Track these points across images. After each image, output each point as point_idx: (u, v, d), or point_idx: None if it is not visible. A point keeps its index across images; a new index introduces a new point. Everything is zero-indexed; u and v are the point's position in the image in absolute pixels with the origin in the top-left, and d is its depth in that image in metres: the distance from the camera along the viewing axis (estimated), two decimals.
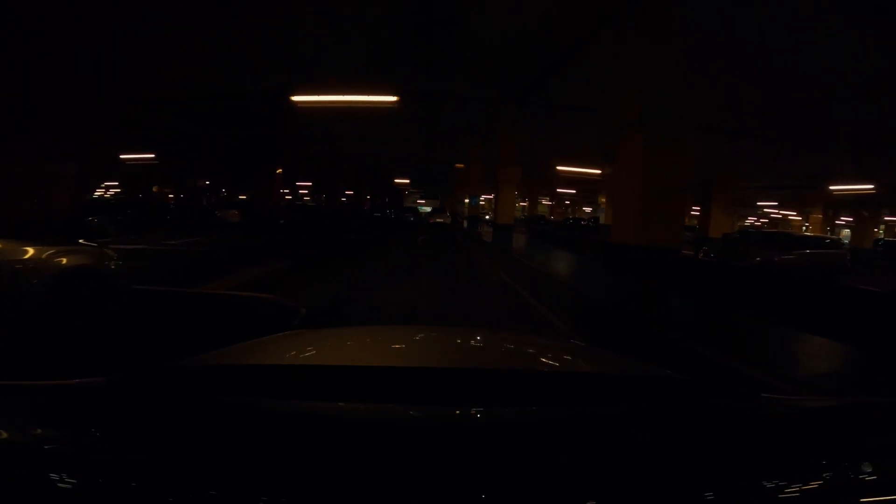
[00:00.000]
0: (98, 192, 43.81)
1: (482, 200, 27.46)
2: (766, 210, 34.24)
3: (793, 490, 0.55)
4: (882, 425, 0.81)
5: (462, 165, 18.29)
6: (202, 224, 19.46)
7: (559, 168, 13.73)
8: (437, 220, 30.36)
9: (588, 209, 50.79)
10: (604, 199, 24.33)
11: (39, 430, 0.67)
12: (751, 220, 45.03)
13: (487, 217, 34.50)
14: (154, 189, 34.14)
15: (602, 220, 24.26)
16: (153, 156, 17.63)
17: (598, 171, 14.11)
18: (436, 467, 0.57)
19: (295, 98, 8.67)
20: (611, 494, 0.53)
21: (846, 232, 33.35)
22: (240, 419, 0.71)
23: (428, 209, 44.99)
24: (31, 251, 3.76)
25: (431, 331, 1.62)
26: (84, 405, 0.76)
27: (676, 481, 0.56)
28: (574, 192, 29.04)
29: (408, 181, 26.72)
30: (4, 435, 0.63)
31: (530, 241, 15.05)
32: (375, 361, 1.13)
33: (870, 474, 0.60)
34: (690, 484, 0.55)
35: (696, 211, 35.17)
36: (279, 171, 13.47)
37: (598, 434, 0.72)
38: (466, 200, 31.76)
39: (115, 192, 37.96)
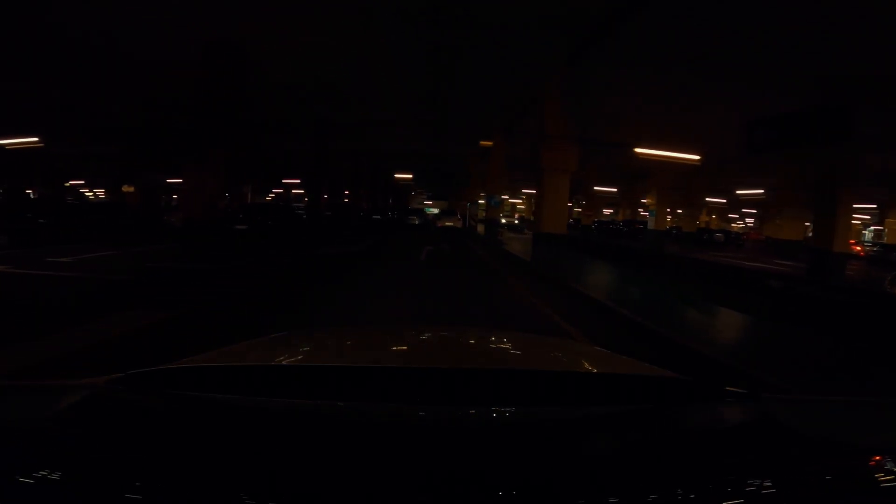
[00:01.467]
0: (88, 193, 40.33)
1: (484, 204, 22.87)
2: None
3: (793, 489, 0.54)
4: (882, 425, 0.80)
5: (490, 143, 13.79)
6: (146, 230, 15.19)
7: (639, 151, 9.27)
8: (447, 223, 25.84)
9: (608, 211, 46.34)
10: (651, 200, 19.79)
11: (40, 430, 0.65)
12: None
13: (517, 221, 29.74)
14: (124, 188, 29.99)
15: (651, 225, 19.72)
16: (37, 139, 13.34)
17: (696, 157, 9.58)
18: (443, 467, 0.56)
19: None
20: (613, 494, 0.52)
21: None
22: (240, 419, 0.71)
23: (435, 211, 40.47)
24: None
25: (434, 331, 1.58)
26: (84, 405, 0.75)
27: (678, 480, 0.55)
28: (615, 190, 24.26)
29: (410, 176, 22.27)
30: (5, 434, 0.63)
31: (598, 263, 10.04)
32: (379, 362, 1.08)
33: (869, 473, 0.59)
34: (692, 483, 0.55)
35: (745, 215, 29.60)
36: (217, 154, 8.95)
37: (602, 434, 0.73)
38: (481, 201, 27.37)
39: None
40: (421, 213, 32.07)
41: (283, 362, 1.05)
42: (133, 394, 0.79)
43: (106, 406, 0.76)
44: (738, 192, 22.11)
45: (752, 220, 49.22)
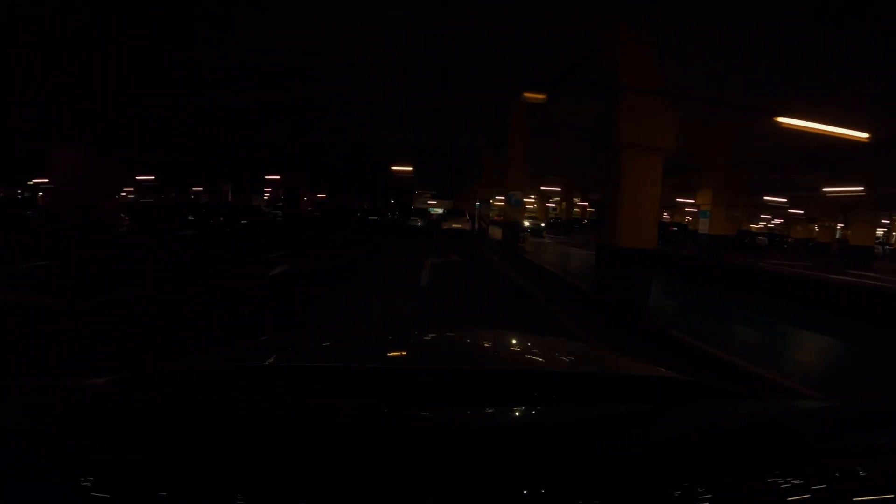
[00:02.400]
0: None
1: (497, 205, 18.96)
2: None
3: (794, 490, 0.54)
4: (882, 426, 0.79)
5: (541, 96, 9.54)
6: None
7: (782, 121, 5.90)
8: (454, 225, 22.33)
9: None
10: (703, 198, 16.26)
11: (40, 431, 0.64)
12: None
13: (543, 224, 25.65)
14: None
15: (705, 229, 16.20)
16: None
17: (864, 135, 6.17)
18: (443, 468, 0.55)
19: None
20: (616, 495, 0.52)
21: None
22: (241, 419, 0.70)
23: (439, 211, 36.97)
24: None
25: (437, 332, 1.57)
26: (84, 405, 0.74)
27: (680, 481, 0.54)
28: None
29: (410, 169, 18.82)
30: (5, 435, 0.62)
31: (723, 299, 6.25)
32: (379, 362, 1.09)
33: (871, 474, 0.58)
34: (693, 482, 0.54)
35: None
36: (90, 131, 5.54)
37: (604, 434, 0.72)
38: (493, 201, 23.95)
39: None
40: (424, 213, 28.58)
41: (285, 362, 1.04)
42: (134, 394, 0.78)
43: (107, 406, 0.74)
44: (826, 189, 18.38)
45: (777, 222, 45.59)
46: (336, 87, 14.28)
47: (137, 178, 24.69)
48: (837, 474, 0.57)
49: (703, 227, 16.17)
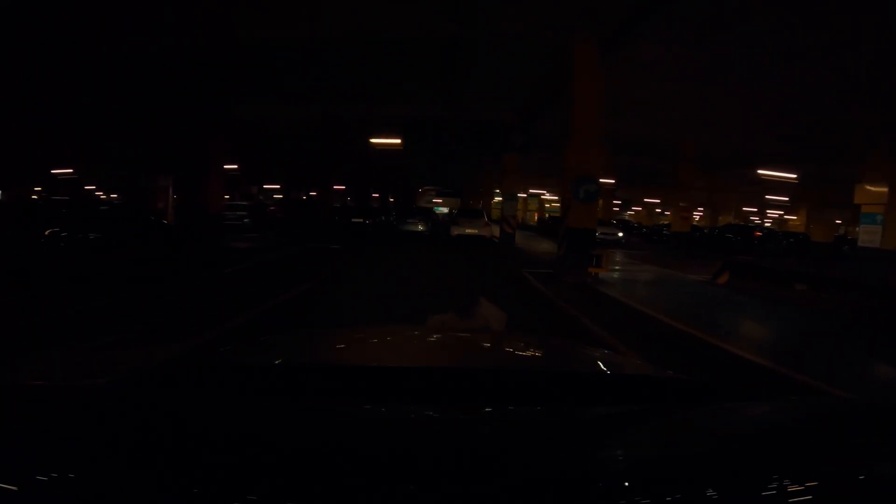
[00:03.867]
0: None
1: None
2: None
3: (803, 491, 0.53)
4: (885, 424, 0.77)
5: None
6: None
7: None
8: (467, 230, 16.23)
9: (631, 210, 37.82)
10: (866, 195, 10.35)
11: (41, 431, 0.63)
12: None
13: (622, 235, 18.64)
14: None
15: (872, 241, 10.32)
16: None
17: None
18: (448, 467, 0.55)
19: None
20: (623, 495, 0.51)
21: None
22: (241, 418, 0.69)
23: (445, 210, 30.93)
24: None
25: (441, 333, 1.55)
26: (86, 405, 0.73)
27: (685, 481, 0.54)
28: (793, 176, 13.89)
29: (398, 141, 12.56)
30: (6, 435, 0.60)
31: None
32: (380, 361, 1.07)
33: (878, 475, 0.57)
34: (699, 484, 0.53)
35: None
36: None
37: (612, 434, 0.71)
38: (521, 195, 18.04)
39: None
40: (428, 214, 22.54)
41: (287, 362, 1.03)
42: (134, 394, 0.77)
43: (108, 406, 0.73)
44: None
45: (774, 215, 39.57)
46: (295, 23, 8.58)
47: (53, 171, 18.89)
48: (840, 475, 0.56)
49: (869, 237, 10.32)
